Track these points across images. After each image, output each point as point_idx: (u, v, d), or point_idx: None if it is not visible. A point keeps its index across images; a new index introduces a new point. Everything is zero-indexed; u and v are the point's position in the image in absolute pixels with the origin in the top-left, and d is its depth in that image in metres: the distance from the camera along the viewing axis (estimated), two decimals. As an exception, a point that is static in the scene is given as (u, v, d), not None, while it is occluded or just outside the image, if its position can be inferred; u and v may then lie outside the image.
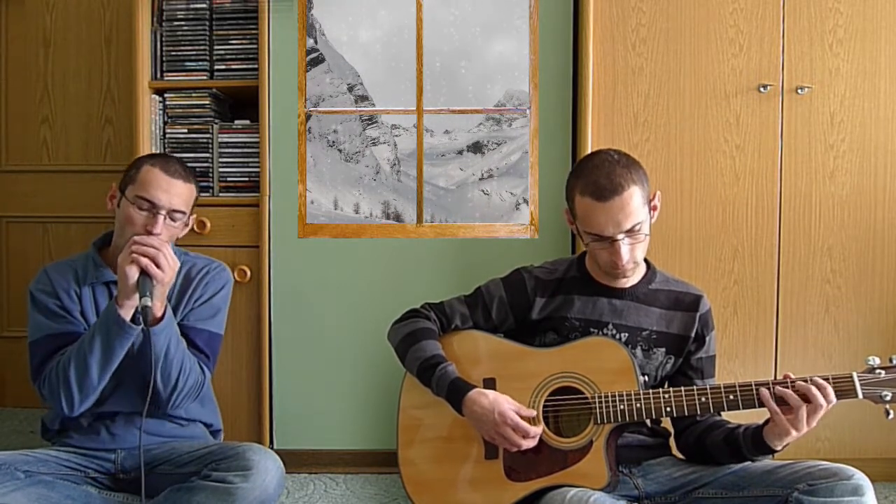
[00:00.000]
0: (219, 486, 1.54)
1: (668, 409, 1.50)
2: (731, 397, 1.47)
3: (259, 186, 2.25)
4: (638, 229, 1.54)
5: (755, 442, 1.49)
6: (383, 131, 2.27)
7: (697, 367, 1.67)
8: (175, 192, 1.69)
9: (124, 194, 1.70)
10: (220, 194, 2.29)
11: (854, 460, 1.56)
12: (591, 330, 1.62)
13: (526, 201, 2.25)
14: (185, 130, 2.29)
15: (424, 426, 1.67)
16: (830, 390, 1.41)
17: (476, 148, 2.26)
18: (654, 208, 1.62)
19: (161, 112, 2.30)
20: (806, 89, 2.17)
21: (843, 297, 2.20)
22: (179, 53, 2.30)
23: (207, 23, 2.29)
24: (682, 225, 2.20)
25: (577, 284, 1.67)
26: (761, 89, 2.17)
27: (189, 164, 1.87)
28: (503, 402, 1.53)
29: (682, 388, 1.51)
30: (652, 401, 1.50)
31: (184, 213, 1.72)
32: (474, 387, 1.57)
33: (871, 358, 1.45)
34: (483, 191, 2.26)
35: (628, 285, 1.65)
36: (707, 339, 1.67)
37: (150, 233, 1.63)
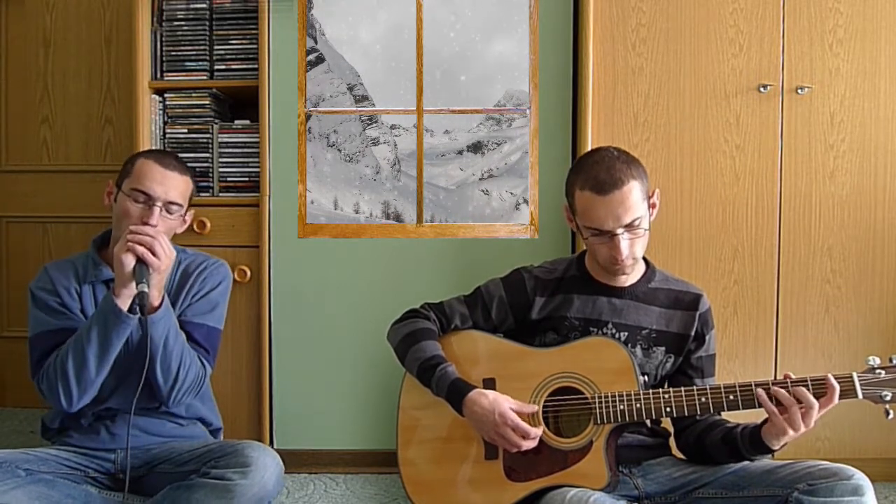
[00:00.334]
0: (218, 483, 1.54)
1: (668, 409, 1.50)
2: (731, 397, 1.47)
3: (259, 186, 2.25)
4: (637, 224, 1.54)
5: (753, 441, 1.50)
6: (383, 131, 2.27)
7: (697, 366, 1.67)
8: (171, 184, 1.69)
9: (120, 189, 1.71)
10: (220, 194, 2.29)
11: (854, 460, 1.56)
12: (591, 329, 1.63)
13: (526, 201, 2.25)
14: (185, 130, 2.29)
15: (424, 426, 1.67)
16: (837, 390, 1.41)
17: (476, 148, 2.26)
18: (654, 206, 1.62)
19: (161, 112, 2.30)
20: (806, 89, 2.17)
21: (843, 297, 2.20)
22: (179, 53, 2.30)
23: (207, 23, 2.29)
24: (682, 225, 2.20)
25: (577, 283, 1.67)
26: (761, 89, 2.17)
27: (189, 164, 1.87)
28: (503, 403, 1.53)
29: (682, 389, 1.51)
30: (652, 401, 1.50)
31: (180, 205, 1.72)
32: (474, 387, 1.57)
33: (870, 358, 1.45)
34: (483, 191, 2.26)
35: (628, 284, 1.65)
36: (707, 337, 1.67)
37: (146, 224, 1.64)
